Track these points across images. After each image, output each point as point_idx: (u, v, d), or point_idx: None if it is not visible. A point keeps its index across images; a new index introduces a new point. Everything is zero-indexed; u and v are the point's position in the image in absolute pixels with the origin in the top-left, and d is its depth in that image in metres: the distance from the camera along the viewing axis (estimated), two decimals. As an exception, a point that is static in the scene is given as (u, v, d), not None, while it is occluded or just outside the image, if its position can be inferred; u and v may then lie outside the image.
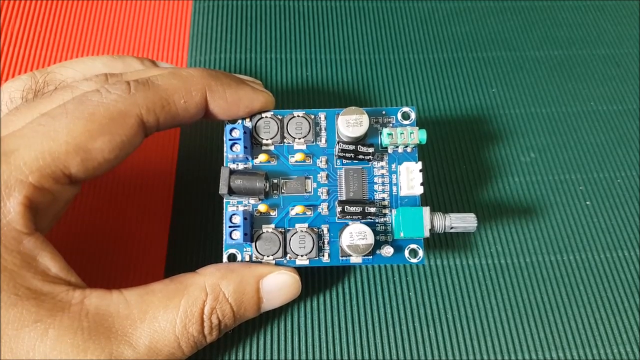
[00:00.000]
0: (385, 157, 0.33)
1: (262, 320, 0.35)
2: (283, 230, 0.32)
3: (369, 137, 0.33)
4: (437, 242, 0.38)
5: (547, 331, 0.35)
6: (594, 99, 0.45)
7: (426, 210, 0.31)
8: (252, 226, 0.32)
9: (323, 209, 0.32)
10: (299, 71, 0.45)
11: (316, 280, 0.36)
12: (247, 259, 0.32)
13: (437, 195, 0.40)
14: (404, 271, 0.37)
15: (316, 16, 0.48)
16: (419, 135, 0.32)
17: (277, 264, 0.32)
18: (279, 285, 0.31)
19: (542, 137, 0.43)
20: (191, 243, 0.37)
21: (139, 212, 0.38)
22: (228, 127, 0.31)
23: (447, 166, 0.41)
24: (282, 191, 0.32)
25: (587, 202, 0.40)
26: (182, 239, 0.37)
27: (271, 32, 0.46)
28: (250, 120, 0.33)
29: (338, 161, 0.33)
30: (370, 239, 0.31)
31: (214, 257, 0.33)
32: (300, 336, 0.34)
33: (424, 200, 0.39)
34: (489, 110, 0.44)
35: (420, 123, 0.42)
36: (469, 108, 0.44)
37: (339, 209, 0.31)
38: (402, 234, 0.31)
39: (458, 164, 0.41)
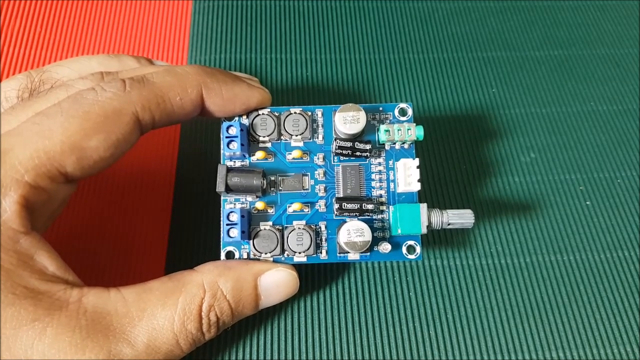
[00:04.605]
0: (383, 154, 0.33)
1: (262, 320, 0.35)
2: (280, 228, 0.32)
3: (366, 134, 0.33)
4: (437, 241, 0.38)
5: (547, 331, 0.35)
6: (594, 99, 0.45)
7: (423, 206, 0.31)
8: (250, 224, 0.32)
9: (320, 206, 0.32)
10: (299, 71, 0.45)
11: (315, 278, 0.36)
12: (245, 256, 0.32)
13: (437, 195, 0.40)
14: (404, 271, 0.37)
15: (316, 16, 0.48)
16: (416, 132, 0.32)
17: (275, 261, 0.32)
18: (276, 283, 0.31)
19: (542, 137, 0.43)
20: (191, 242, 0.37)
21: (139, 212, 0.38)
22: (225, 124, 0.31)
23: (447, 166, 0.41)
24: (280, 188, 0.33)
25: (587, 202, 0.40)
26: (182, 239, 0.37)
27: (271, 32, 0.47)
28: (247, 117, 0.33)
29: (335, 158, 0.33)
30: (367, 235, 0.31)
31: (214, 255, 0.33)
32: (300, 336, 0.34)
33: (425, 200, 0.39)
34: (489, 110, 0.44)
35: (420, 123, 0.42)
36: (469, 108, 0.44)
37: (336, 205, 0.31)
38: (399, 231, 0.31)
39: (458, 164, 0.41)
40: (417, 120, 0.42)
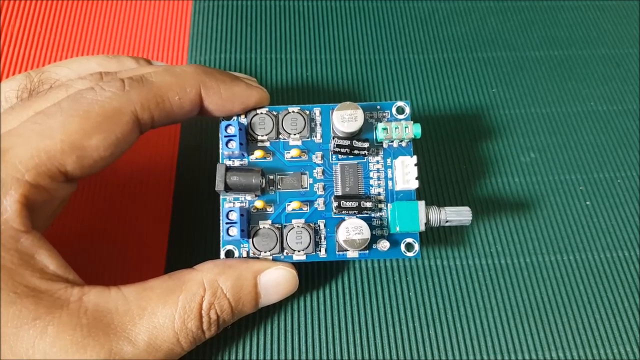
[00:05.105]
0: (381, 152, 0.33)
1: (262, 319, 0.35)
2: (280, 226, 0.32)
3: (364, 132, 0.33)
4: (437, 241, 0.38)
5: (547, 331, 0.35)
6: (594, 99, 0.45)
7: (421, 204, 0.31)
8: (249, 222, 0.32)
9: (319, 204, 0.33)
10: (298, 71, 0.45)
11: (315, 277, 0.36)
12: (245, 255, 0.32)
13: (437, 196, 0.40)
14: (404, 271, 0.37)
15: (316, 16, 0.48)
16: (414, 130, 0.32)
17: (274, 259, 0.32)
18: (276, 281, 0.31)
19: (542, 137, 0.43)
20: (191, 241, 0.37)
21: (138, 210, 0.38)
22: (223, 123, 0.31)
23: (447, 166, 0.41)
24: (278, 187, 0.33)
25: (587, 202, 0.40)
26: (182, 238, 0.37)
27: (271, 32, 0.47)
28: (245, 116, 0.33)
29: (333, 156, 0.33)
30: (366, 233, 0.31)
31: (214, 255, 0.33)
32: (300, 336, 0.34)
33: (425, 200, 0.39)
34: (489, 110, 0.44)
35: (420, 123, 0.42)
36: (469, 108, 0.44)
37: (335, 204, 0.31)
38: (398, 228, 0.31)
39: (459, 164, 0.41)
40: (417, 120, 0.42)
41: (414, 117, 0.42)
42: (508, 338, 0.35)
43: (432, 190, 0.40)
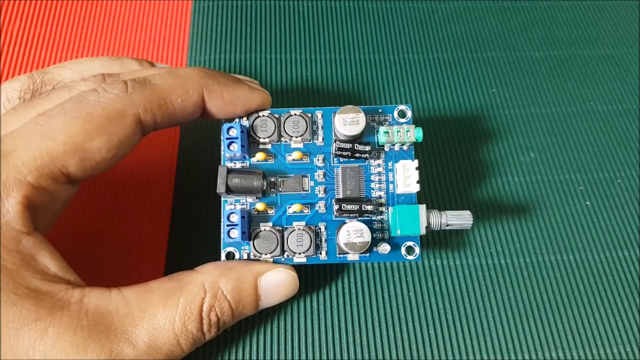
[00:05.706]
0: (382, 155, 0.33)
1: (262, 320, 0.35)
2: (281, 229, 0.32)
3: (365, 136, 0.33)
4: (437, 241, 0.38)
5: (547, 331, 0.35)
6: (593, 99, 0.45)
7: (422, 207, 0.31)
8: (250, 224, 0.32)
9: (320, 207, 0.33)
10: (298, 71, 0.45)
11: (315, 279, 0.36)
12: (245, 257, 0.32)
13: (437, 196, 0.40)
14: (403, 271, 0.37)
15: (316, 16, 0.48)
16: (415, 133, 0.32)
17: (275, 262, 0.32)
18: (276, 283, 0.31)
19: (542, 137, 0.43)
20: (191, 242, 0.37)
21: (139, 212, 0.38)
22: (225, 126, 0.31)
23: (447, 166, 0.41)
24: (280, 189, 0.33)
25: (587, 202, 0.40)
26: (182, 239, 0.37)
27: (271, 32, 0.47)
28: (248, 119, 0.33)
29: (335, 159, 0.33)
30: (367, 236, 0.31)
31: (214, 255, 0.33)
32: (300, 336, 0.34)
33: (425, 200, 0.39)
34: (489, 110, 0.44)
35: (420, 123, 0.42)
36: (468, 108, 0.44)
37: (336, 207, 0.31)
38: (398, 232, 0.31)
39: (458, 164, 0.41)
40: (416, 120, 0.42)
41: (414, 118, 0.42)
42: (508, 338, 0.35)
43: (431, 190, 0.40)
